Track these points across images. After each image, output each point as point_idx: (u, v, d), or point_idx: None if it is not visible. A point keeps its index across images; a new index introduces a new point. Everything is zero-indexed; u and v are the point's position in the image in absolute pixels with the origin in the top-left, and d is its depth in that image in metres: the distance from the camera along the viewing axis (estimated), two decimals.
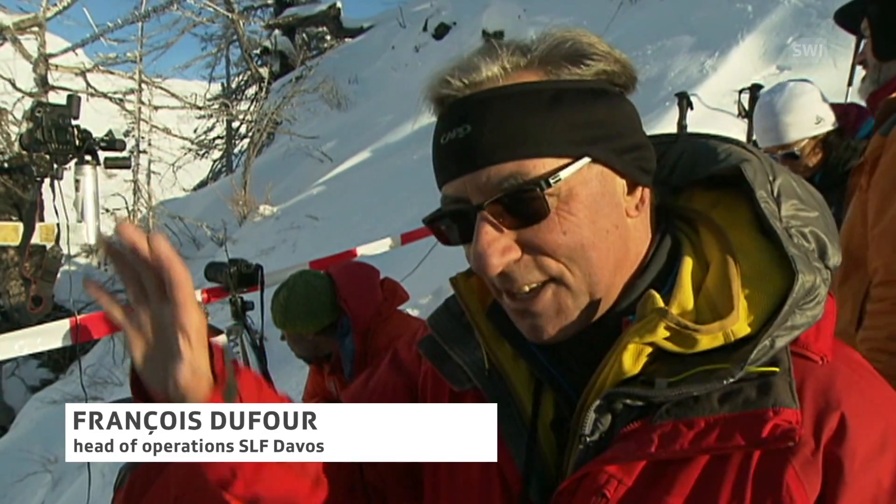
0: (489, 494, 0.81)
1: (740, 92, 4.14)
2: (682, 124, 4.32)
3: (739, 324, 0.68)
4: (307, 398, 2.88)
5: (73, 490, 5.29)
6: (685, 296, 0.71)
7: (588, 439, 0.72)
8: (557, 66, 0.72)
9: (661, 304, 0.70)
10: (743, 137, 3.94)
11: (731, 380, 0.66)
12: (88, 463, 2.53)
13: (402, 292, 2.71)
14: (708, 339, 0.68)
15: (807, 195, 0.75)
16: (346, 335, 2.47)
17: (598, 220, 0.71)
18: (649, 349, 0.71)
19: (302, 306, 2.43)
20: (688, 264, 0.74)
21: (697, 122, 4.91)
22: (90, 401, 5.95)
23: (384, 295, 2.59)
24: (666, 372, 0.69)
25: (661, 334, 0.69)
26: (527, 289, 0.72)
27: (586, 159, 0.70)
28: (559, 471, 0.76)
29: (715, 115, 5.45)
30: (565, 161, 0.69)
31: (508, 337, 0.81)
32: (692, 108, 4.35)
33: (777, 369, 0.67)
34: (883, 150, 1.57)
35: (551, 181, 0.67)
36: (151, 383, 0.75)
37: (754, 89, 4.06)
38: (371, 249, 4.16)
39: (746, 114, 4.04)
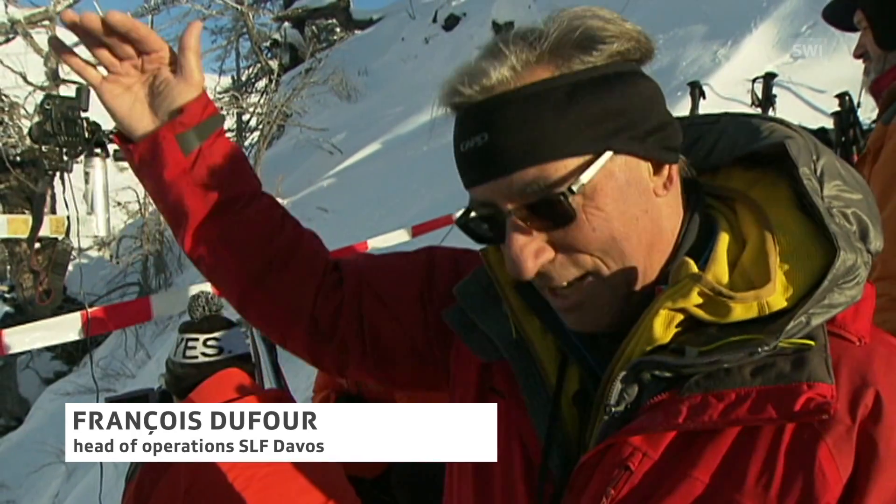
0: (511, 464, 0.80)
1: (753, 81, 4.09)
2: (694, 114, 4.29)
3: (776, 296, 0.67)
4: (318, 391, 2.88)
5: (87, 481, 5.34)
6: (720, 268, 0.70)
7: (614, 409, 0.71)
8: (569, 57, 0.69)
9: (695, 269, 0.68)
10: None
11: (765, 349, 0.65)
12: None
13: None
14: (742, 309, 0.67)
15: (850, 178, 0.73)
16: None
17: (627, 209, 0.69)
18: (681, 317, 0.70)
19: None
20: (724, 239, 0.72)
21: (710, 112, 4.87)
22: (102, 393, 6.00)
23: None
24: (697, 342, 0.68)
25: (693, 300, 0.68)
26: (565, 283, 0.72)
27: (608, 153, 0.68)
28: (581, 444, 0.75)
29: (728, 104, 5.40)
30: (587, 158, 0.67)
31: (537, 311, 0.80)
32: (704, 98, 4.31)
33: (813, 343, 0.66)
34: (884, 139, 1.54)
35: (574, 188, 0.66)
36: (134, 117, 0.94)
37: (768, 78, 4.02)
38: (382, 242, 4.16)
39: (760, 103, 3.99)
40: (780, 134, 0.74)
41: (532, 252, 0.69)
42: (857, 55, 1.80)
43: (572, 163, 0.67)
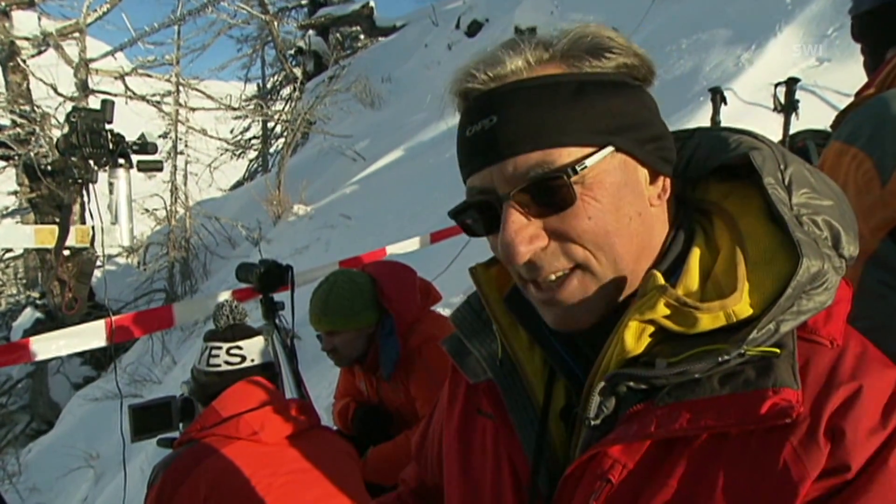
0: (500, 483, 0.83)
1: (776, 86, 4.03)
2: (715, 120, 4.23)
3: (741, 305, 0.68)
4: (338, 399, 2.90)
5: (115, 485, 5.41)
6: (691, 279, 0.72)
7: (592, 422, 0.73)
8: (580, 59, 0.73)
9: (661, 281, 0.70)
10: (780, 132, 3.85)
11: (727, 357, 0.67)
12: (125, 459, 2.58)
13: (435, 292, 2.71)
14: (709, 319, 0.69)
15: (821, 185, 0.75)
16: (390, 336, 2.45)
17: (622, 206, 0.72)
18: (651, 328, 0.72)
19: (345, 301, 2.42)
20: (696, 251, 0.74)
21: (733, 117, 4.81)
22: (128, 398, 6.08)
23: (420, 295, 2.58)
24: (668, 353, 0.70)
25: (660, 311, 0.70)
26: (553, 277, 0.73)
27: (609, 148, 0.71)
28: (567, 458, 0.77)
29: (751, 109, 5.33)
30: (589, 150, 0.70)
31: (524, 323, 0.83)
32: (726, 104, 4.26)
33: (778, 350, 0.67)
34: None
35: (578, 168, 0.69)
36: None
37: (791, 83, 3.96)
38: (401, 248, 4.18)
39: (783, 108, 3.93)
40: (747, 146, 0.77)
41: (527, 237, 0.72)
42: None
43: (575, 152, 0.70)
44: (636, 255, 0.74)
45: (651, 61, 0.77)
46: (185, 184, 12.75)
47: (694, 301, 0.69)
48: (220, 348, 1.96)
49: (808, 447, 0.64)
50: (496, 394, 0.84)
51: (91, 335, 2.46)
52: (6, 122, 8.74)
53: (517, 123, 0.70)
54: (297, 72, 15.31)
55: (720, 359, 0.67)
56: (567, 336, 0.80)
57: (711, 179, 0.82)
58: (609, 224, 0.71)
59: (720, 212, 0.77)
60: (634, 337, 0.71)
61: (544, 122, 0.69)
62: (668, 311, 0.70)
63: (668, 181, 0.77)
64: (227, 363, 1.94)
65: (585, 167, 0.69)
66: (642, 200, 0.74)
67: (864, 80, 1.85)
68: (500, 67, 0.72)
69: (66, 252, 2.61)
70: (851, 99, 1.74)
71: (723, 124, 4.21)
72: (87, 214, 2.38)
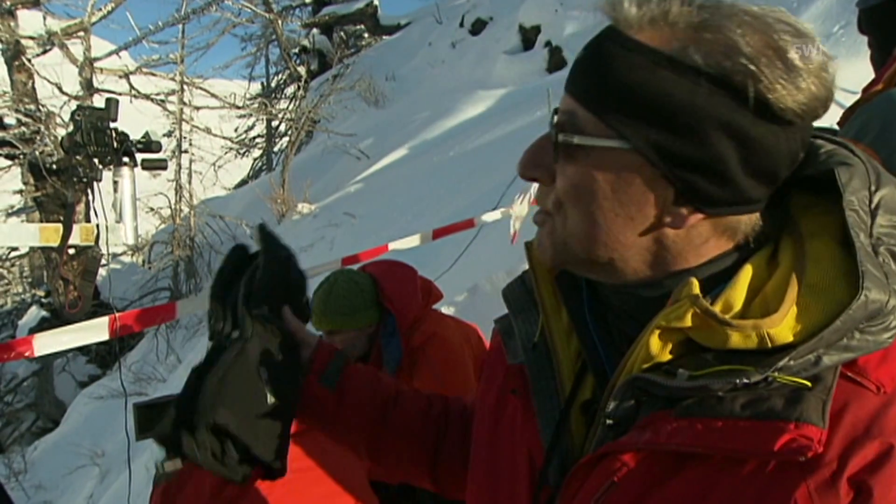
0: (516, 468, 0.82)
1: None
2: None
3: (781, 329, 0.62)
4: None
5: (120, 483, 5.42)
6: (736, 294, 0.66)
7: (609, 421, 0.71)
8: (689, 43, 0.64)
9: (696, 290, 0.65)
10: None
11: (747, 381, 0.62)
12: (129, 457, 2.58)
13: (437, 291, 2.70)
14: (739, 338, 0.63)
15: None
16: (393, 336, 2.44)
17: (616, 200, 0.68)
18: (680, 337, 0.68)
19: (345, 300, 2.40)
20: (749, 266, 0.68)
21: None
22: (132, 397, 6.10)
23: (421, 294, 2.58)
24: (693, 365, 0.66)
25: (687, 321, 0.65)
26: (545, 210, 0.75)
27: (624, 143, 0.65)
28: (583, 452, 0.75)
29: None
30: (605, 131, 0.66)
31: (567, 304, 0.80)
32: None
33: (810, 384, 0.62)
34: None
35: (561, 138, 0.68)
36: None
37: None
38: (403, 244, 4.18)
39: None
40: (836, 160, 0.68)
41: (533, 161, 0.74)
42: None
43: (593, 123, 0.67)
44: (622, 242, 0.70)
45: (807, 103, 0.64)
46: (190, 182, 12.78)
47: (726, 316, 0.64)
48: None
49: (826, 494, 0.59)
50: (526, 377, 0.82)
51: (96, 330, 2.46)
52: (11, 120, 8.76)
53: (587, 67, 0.68)
54: (302, 70, 15.33)
55: (738, 381, 0.62)
56: (604, 325, 0.78)
57: (796, 189, 0.73)
58: (583, 204, 0.69)
59: (792, 226, 0.70)
60: (659, 344, 0.68)
61: (597, 78, 0.66)
62: (694, 323, 0.65)
63: (694, 218, 0.67)
64: None
65: (571, 143, 0.67)
66: (641, 209, 0.68)
67: (870, 78, 1.84)
68: (617, 9, 0.67)
69: (71, 251, 2.61)
70: (858, 96, 1.72)
71: None
72: (91, 213, 2.38)
